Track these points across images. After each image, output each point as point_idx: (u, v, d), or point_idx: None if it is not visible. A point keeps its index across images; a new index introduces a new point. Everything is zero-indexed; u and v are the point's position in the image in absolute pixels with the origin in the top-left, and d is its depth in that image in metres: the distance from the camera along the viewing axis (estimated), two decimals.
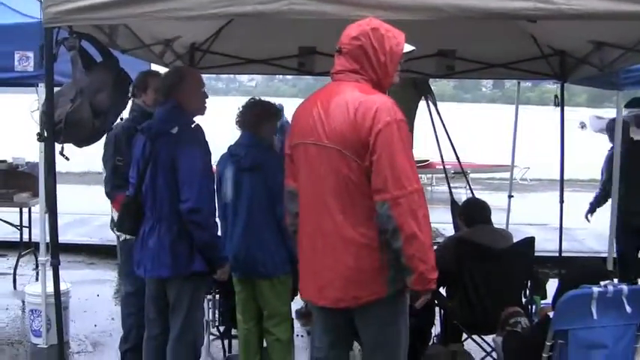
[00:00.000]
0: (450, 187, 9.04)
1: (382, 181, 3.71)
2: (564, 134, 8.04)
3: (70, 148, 4.58)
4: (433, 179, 20.33)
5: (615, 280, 4.38)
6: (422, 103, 8.87)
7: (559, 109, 8.17)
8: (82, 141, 4.63)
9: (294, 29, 6.41)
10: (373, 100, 3.79)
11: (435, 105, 8.44)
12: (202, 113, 5.08)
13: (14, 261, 9.47)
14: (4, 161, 9.09)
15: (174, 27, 6.26)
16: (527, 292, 5.95)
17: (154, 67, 7.08)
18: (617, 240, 7.88)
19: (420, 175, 7.90)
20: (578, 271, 4.72)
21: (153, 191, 4.92)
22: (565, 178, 8.70)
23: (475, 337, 5.86)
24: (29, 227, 9.33)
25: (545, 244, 9.13)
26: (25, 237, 9.45)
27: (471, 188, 9.61)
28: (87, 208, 12.12)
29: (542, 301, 5.80)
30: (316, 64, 7.52)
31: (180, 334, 5.01)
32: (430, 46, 7.25)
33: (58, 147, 4.46)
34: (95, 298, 8.64)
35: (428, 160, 18.12)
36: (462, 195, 12.05)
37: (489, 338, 5.76)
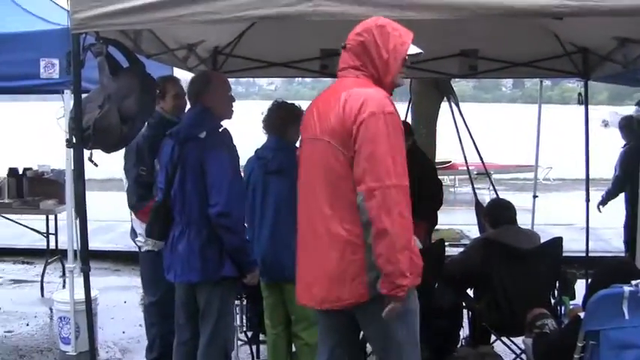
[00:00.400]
0: (474, 188, 9.01)
1: (361, 172, 3.64)
2: (589, 132, 7.99)
3: (96, 154, 4.60)
4: (456, 180, 20.25)
5: None
6: (444, 104, 8.88)
7: (580, 107, 8.13)
8: (111, 147, 4.63)
9: (316, 32, 6.41)
10: (364, 92, 3.74)
11: (458, 105, 8.42)
12: (230, 117, 5.09)
13: (41, 268, 9.52)
14: (29, 169, 9.11)
15: (198, 31, 6.29)
16: (556, 292, 5.91)
17: (177, 71, 7.10)
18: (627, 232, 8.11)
19: (442, 177, 7.97)
20: (608, 270, 4.68)
21: (182, 196, 4.93)
22: (590, 177, 8.65)
23: (504, 338, 5.84)
24: (55, 234, 9.34)
25: (571, 245, 9.06)
26: (52, 244, 9.47)
27: (494, 189, 9.58)
28: (111, 215, 12.16)
29: (571, 302, 5.76)
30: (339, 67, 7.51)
31: (211, 340, 5.01)
32: (452, 46, 7.24)
33: (86, 153, 4.48)
34: (122, 304, 8.68)
35: (450, 161, 18.07)
36: (485, 196, 12.02)
37: (518, 340, 5.73)
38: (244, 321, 6.23)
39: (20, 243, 11.65)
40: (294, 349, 5.69)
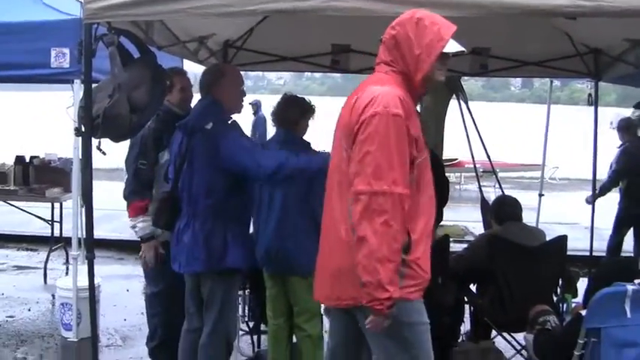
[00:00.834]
0: (480, 186, 9.02)
1: (353, 173, 3.51)
2: (597, 133, 8.01)
3: (105, 144, 4.61)
4: (462, 178, 20.35)
5: None
6: (453, 102, 8.86)
7: (589, 108, 8.15)
8: (120, 136, 4.64)
9: (328, 27, 6.41)
10: (376, 90, 3.57)
11: (467, 103, 8.41)
12: (239, 111, 5.14)
13: (45, 256, 9.58)
14: (36, 157, 9.15)
15: (210, 24, 6.29)
16: (559, 290, 5.93)
17: (187, 63, 7.11)
18: (616, 228, 8.28)
19: (448, 174, 7.98)
20: (610, 268, 4.70)
21: (189, 187, 4.97)
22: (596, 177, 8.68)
23: (505, 334, 5.85)
24: (60, 222, 9.41)
25: (576, 244, 9.05)
26: (56, 232, 9.53)
27: (501, 187, 9.59)
28: (116, 204, 12.20)
29: (573, 300, 5.78)
30: (351, 62, 7.53)
31: (213, 329, 5.06)
32: (464, 44, 7.20)
33: (94, 142, 4.50)
34: (124, 292, 8.73)
35: (457, 159, 18.10)
36: (490, 194, 12.04)
37: (518, 336, 5.75)
38: (246, 311, 6.27)
39: (25, 230, 11.69)
40: (294, 340, 5.70)
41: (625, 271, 4.47)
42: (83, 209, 4.88)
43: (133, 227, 5.57)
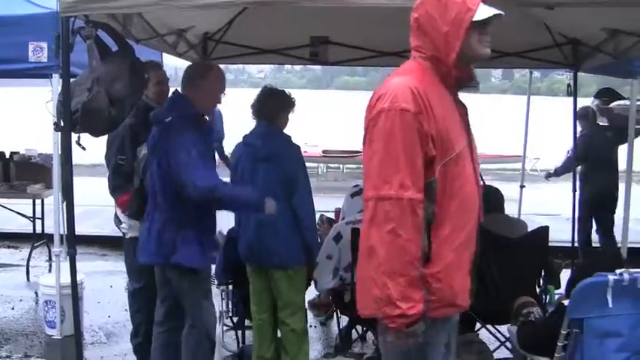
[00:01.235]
0: None
1: (363, 177, 3.23)
2: (577, 124, 8.06)
3: (85, 139, 4.59)
4: None
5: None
6: None
7: (569, 99, 8.19)
8: (99, 130, 4.64)
9: (306, 19, 6.41)
10: (390, 84, 3.21)
11: None
12: (206, 113, 5.22)
13: (27, 253, 9.52)
14: (16, 153, 9.08)
15: (188, 17, 6.27)
16: (542, 281, 5.94)
17: (167, 57, 7.09)
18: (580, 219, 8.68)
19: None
20: (593, 259, 4.71)
21: (151, 179, 5.02)
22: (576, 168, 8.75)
23: (489, 326, 5.86)
24: (42, 219, 9.34)
25: (558, 235, 9.10)
26: (38, 229, 9.46)
27: (482, 178, 9.61)
28: (98, 200, 12.16)
29: (556, 291, 5.80)
30: (330, 54, 7.53)
31: (191, 325, 5.09)
32: None
33: (74, 136, 4.47)
34: (108, 289, 8.68)
35: None
36: None
37: (502, 328, 5.77)
38: (230, 306, 6.25)
39: (7, 227, 11.61)
40: (279, 334, 5.69)
41: (607, 262, 4.49)
42: (64, 205, 4.86)
43: (119, 224, 5.59)
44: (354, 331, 6.45)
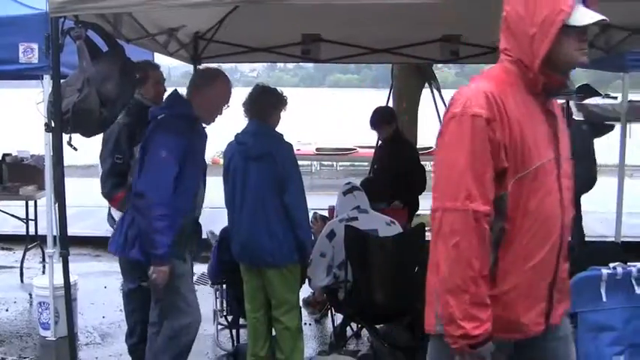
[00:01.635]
0: None
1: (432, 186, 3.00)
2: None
3: (78, 140, 4.58)
4: None
5: None
6: (425, 90, 8.85)
7: None
8: (90, 131, 4.63)
9: (298, 17, 6.40)
10: (467, 88, 2.97)
11: (439, 91, 8.44)
12: (207, 123, 5.16)
13: (21, 254, 9.49)
14: (9, 154, 9.06)
15: (179, 16, 6.25)
16: None
17: (158, 57, 7.08)
18: None
19: (423, 162, 8.01)
20: (587, 253, 4.71)
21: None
22: None
23: None
24: (35, 220, 9.33)
25: None
26: (31, 230, 9.45)
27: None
28: (91, 201, 12.14)
29: None
30: (322, 51, 7.52)
31: (163, 322, 5.13)
32: (434, 31, 7.24)
33: (65, 137, 4.46)
34: (102, 290, 8.65)
35: (431, 147, 18.13)
36: None
37: None
38: (224, 305, 6.25)
39: (0, 229, 11.58)
40: (274, 333, 5.69)
41: (601, 256, 4.49)
42: (57, 206, 4.85)
43: (113, 223, 5.57)
44: (348, 328, 6.44)
